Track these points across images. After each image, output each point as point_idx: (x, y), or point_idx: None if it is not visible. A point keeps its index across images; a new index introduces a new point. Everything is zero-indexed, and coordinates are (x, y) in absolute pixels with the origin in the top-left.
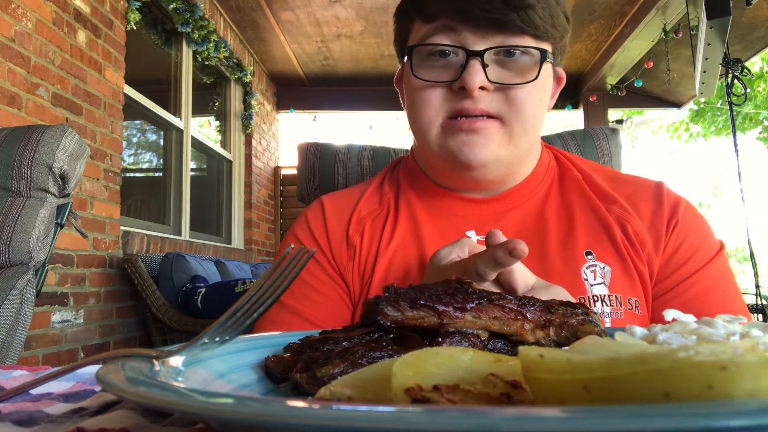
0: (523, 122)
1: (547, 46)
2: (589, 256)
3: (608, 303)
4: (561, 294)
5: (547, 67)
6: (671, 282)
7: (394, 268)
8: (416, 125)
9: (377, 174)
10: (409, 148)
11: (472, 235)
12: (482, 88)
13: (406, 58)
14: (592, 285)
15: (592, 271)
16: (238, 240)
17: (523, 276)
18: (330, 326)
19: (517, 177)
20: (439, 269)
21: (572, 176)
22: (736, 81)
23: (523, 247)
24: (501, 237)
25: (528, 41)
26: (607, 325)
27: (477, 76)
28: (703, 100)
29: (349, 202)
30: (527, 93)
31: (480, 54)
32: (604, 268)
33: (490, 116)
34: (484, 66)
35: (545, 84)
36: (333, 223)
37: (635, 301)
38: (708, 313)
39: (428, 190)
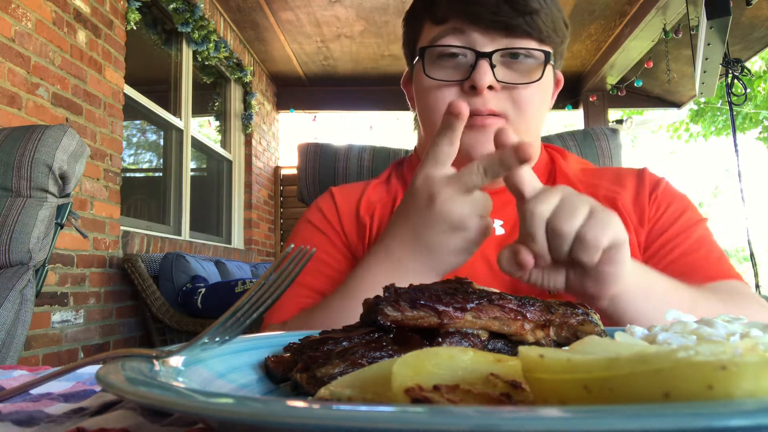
0: (527, 121)
1: (549, 50)
2: None
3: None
4: (568, 192)
5: (549, 69)
6: (656, 247)
7: None
8: (429, 124)
9: (382, 173)
10: (410, 148)
11: None
12: (490, 87)
13: (416, 59)
14: None
15: None
16: (238, 240)
17: (531, 180)
18: None
19: None
20: (428, 181)
21: (563, 173)
22: (736, 81)
23: (529, 150)
24: (511, 136)
25: (532, 44)
26: None
27: (486, 76)
28: (703, 100)
29: (357, 190)
30: (530, 93)
31: (488, 55)
32: None
33: (497, 115)
34: (492, 66)
35: (547, 85)
36: (343, 205)
37: None
38: (693, 272)
39: None
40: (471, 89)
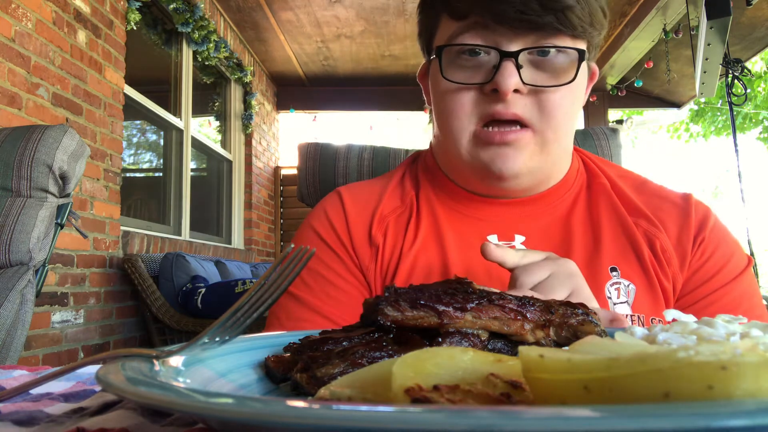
0: (556, 129)
1: (583, 44)
2: (614, 273)
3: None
4: (558, 270)
5: (583, 67)
6: (691, 299)
7: (417, 272)
8: (446, 130)
9: (397, 168)
10: (410, 148)
11: (493, 240)
12: (516, 90)
13: (432, 55)
14: (615, 304)
15: (616, 289)
16: (238, 240)
17: (509, 254)
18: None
19: (547, 183)
20: None
21: (600, 184)
22: (736, 81)
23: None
24: (493, 249)
25: (565, 40)
26: None
27: (511, 78)
28: (703, 100)
29: (370, 198)
30: (560, 97)
31: (514, 55)
32: (628, 286)
33: (521, 124)
34: (518, 67)
35: (580, 85)
36: (354, 219)
37: (659, 321)
38: None
39: (449, 192)
40: (493, 92)
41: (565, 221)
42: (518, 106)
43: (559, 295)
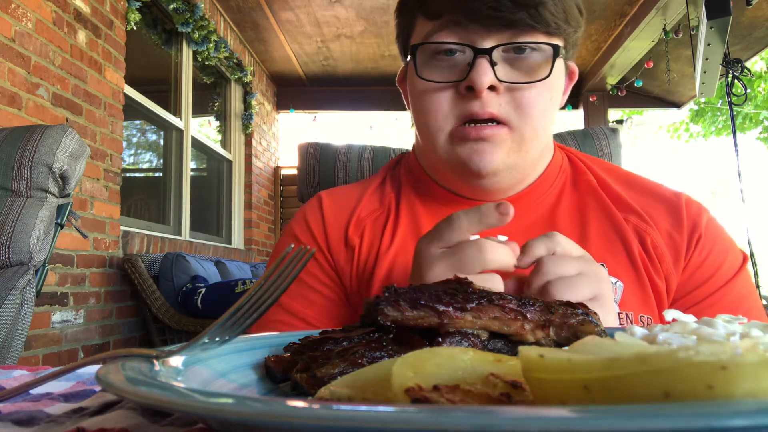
0: (534, 126)
1: (559, 42)
2: None
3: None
4: (600, 272)
5: (559, 63)
6: (690, 300)
7: (395, 272)
8: (423, 130)
9: (378, 172)
10: (409, 147)
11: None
12: (491, 88)
13: (409, 57)
14: None
15: None
16: (238, 240)
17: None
18: (326, 327)
19: (526, 181)
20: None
21: (587, 181)
22: (736, 81)
23: (509, 209)
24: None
25: (539, 37)
26: None
27: (485, 76)
28: (703, 100)
29: (348, 202)
30: (536, 94)
31: (488, 52)
32: (615, 283)
33: (498, 122)
34: (493, 64)
35: (557, 82)
36: (332, 222)
37: (647, 318)
38: None
39: (431, 193)
40: (468, 91)
41: (549, 219)
42: (494, 105)
43: (582, 296)
